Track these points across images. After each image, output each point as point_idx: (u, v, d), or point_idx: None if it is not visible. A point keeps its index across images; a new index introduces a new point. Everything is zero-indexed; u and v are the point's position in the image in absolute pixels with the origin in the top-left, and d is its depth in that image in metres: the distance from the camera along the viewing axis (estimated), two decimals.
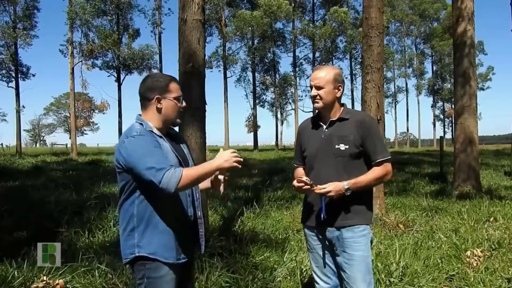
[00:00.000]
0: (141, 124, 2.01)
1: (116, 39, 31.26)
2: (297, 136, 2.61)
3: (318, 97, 2.36)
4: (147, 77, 2.11)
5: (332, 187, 2.21)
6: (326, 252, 2.43)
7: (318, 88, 2.35)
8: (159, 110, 2.02)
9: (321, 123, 2.43)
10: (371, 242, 2.39)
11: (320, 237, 2.42)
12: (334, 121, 2.38)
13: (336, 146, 2.32)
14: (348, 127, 2.34)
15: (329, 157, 2.33)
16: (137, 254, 1.95)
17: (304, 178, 2.26)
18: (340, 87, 2.38)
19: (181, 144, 2.16)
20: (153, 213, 1.95)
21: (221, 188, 2.07)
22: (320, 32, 39.38)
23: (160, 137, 2.00)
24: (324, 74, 2.36)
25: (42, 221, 5.41)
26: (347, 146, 2.30)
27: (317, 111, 2.46)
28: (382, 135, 2.55)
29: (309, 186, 2.26)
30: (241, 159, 1.94)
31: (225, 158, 1.90)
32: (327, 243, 2.40)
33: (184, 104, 2.10)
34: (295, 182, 2.30)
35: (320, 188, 2.22)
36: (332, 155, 2.33)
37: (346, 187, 2.23)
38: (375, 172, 2.33)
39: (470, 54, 8.80)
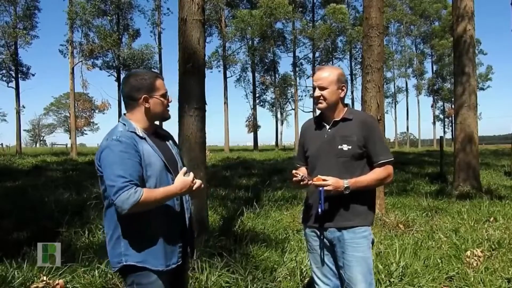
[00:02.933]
0: (124, 124, 1.94)
1: (116, 39, 31.25)
2: (300, 136, 2.59)
3: (321, 98, 2.32)
4: (129, 76, 1.99)
5: (332, 181, 2.19)
6: (326, 253, 2.42)
7: (322, 88, 2.32)
8: (147, 110, 1.96)
9: (324, 123, 2.41)
10: (372, 243, 2.38)
11: (321, 237, 2.40)
12: (337, 121, 2.36)
13: (339, 147, 2.30)
14: (351, 127, 2.33)
15: (332, 158, 2.31)
16: (124, 263, 1.88)
17: (300, 175, 2.26)
18: (343, 87, 2.36)
19: (169, 144, 2.09)
20: (139, 219, 1.85)
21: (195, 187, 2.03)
22: (319, 32, 39.34)
23: (143, 138, 1.92)
24: (327, 74, 2.33)
25: (42, 221, 5.42)
26: (350, 147, 2.29)
27: (319, 111, 2.44)
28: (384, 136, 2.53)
29: (304, 181, 2.26)
30: (200, 186, 1.96)
31: (183, 188, 1.89)
32: (327, 243, 2.39)
33: (170, 99, 2.06)
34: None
35: (320, 179, 2.20)
36: (334, 156, 2.31)
37: (346, 185, 2.21)
38: (376, 173, 2.31)
39: (470, 53, 8.81)
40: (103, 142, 1.89)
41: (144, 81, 1.94)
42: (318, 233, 2.41)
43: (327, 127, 2.39)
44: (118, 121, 2.02)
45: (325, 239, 2.39)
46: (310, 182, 2.26)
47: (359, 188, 2.26)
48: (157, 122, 2.09)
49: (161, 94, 1.98)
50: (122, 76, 33.98)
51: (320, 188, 2.21)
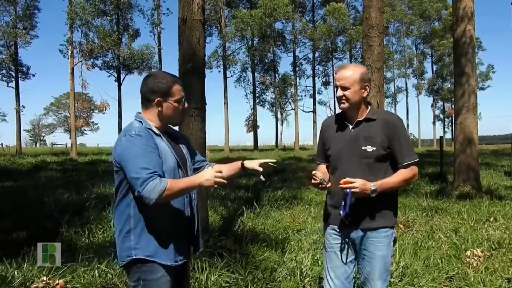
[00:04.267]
0: (140, 122, 1.98)
1: (116, 39, 31.25)
2: (320, 133, 2.52)
3: (344, 98, 2.24)
4: (149, 76, 2.04)
5: (359, 184, 2.13)
6: (345, 252, 2.36)
7: (344, 88, 2.23)
8: (159, 113, 1.99)
9: (347, 123, 2.33)
10: (394, 242, 2.36)
11: (342, 236, 2.36)
12: (360, 121, 2.29)
13: (363, 148, 2.24)
14: (375, 128, 2.25)
15: (354, 159, 2.25)
16: (134, 257, 1.91)
17: (319, 179, 2.22)
18: (366, 87, 2.26)
19: (180, 144, 2.14)
20: (151, 214, 1.90)
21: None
22: (319, 31, 39.33)
23: (158, 135, 1.97)
24: (350, 73, 2.24)
25: (42, 221, 5.42)
26: (374, 148, 2.22)
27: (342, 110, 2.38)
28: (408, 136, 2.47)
29: (323, 185, 2.24)
30: (224, 181, 1.93)
31: (206, 178, 1.88)
32: (349, 243, 2.35)
33: (186, 105, 2.08)
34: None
35: (348, 182, 2.13)
36: (357, 157, 2.25)
37: (373, 188, 2.15)
38: (401, 174, 2.25)
39: (470, 54, 8.79)
40: (121, 138, 1.91)
41: (160, 85, 1.97)
42: (340, 232, 2.36)
43: (350, 127, 2.31)
44: (134, 119, 2.03)
45: (346, 238, 2.35)
46: (328, 185, 2.24)
47: (385, 190, 2.21)
48: None
49: (176, 99, 2.00)
50: (122, 76, 34.05)
51: (348, 190, 2.15)
